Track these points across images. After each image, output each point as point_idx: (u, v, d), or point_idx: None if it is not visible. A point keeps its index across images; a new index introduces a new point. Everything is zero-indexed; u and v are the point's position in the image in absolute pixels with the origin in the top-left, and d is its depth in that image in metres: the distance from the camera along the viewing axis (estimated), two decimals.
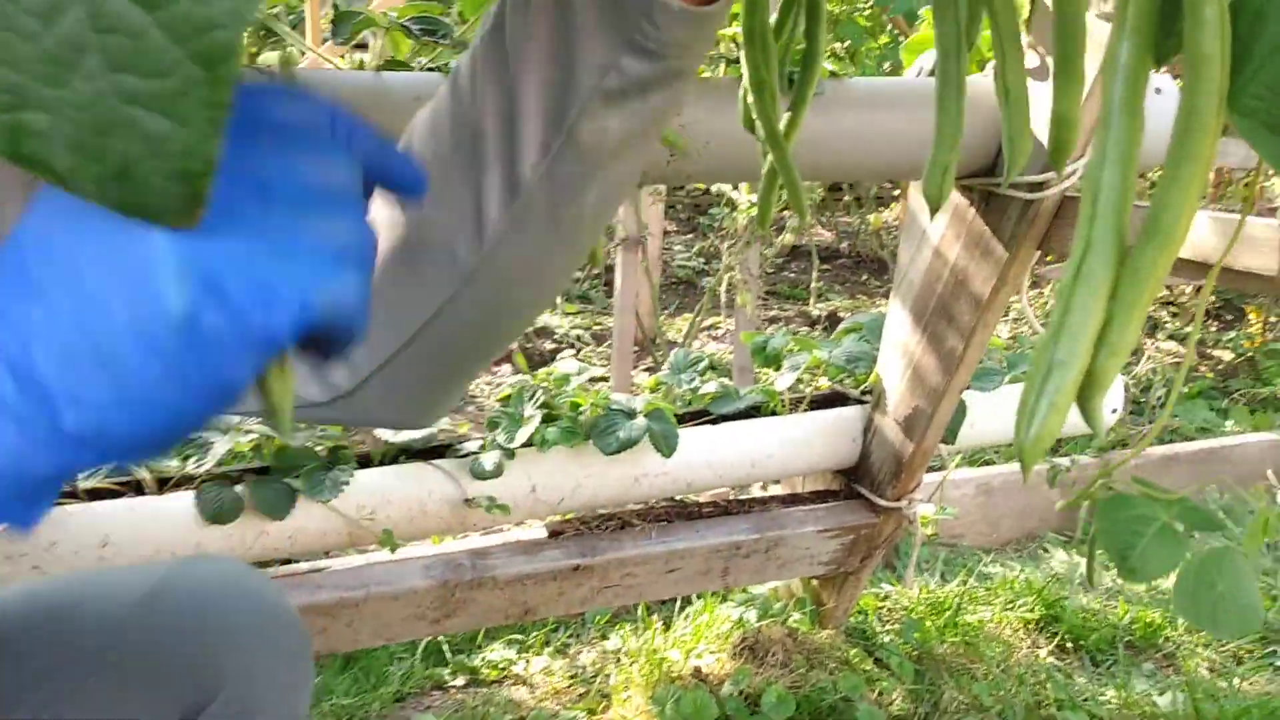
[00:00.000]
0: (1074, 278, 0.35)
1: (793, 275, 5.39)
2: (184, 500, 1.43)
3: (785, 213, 4.60)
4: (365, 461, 1.53)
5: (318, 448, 1.50)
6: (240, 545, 1.46)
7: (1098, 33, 1.35)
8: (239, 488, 1.44)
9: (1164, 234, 0.33)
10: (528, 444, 1.55)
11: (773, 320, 4.58)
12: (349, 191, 0.37)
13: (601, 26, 0.49)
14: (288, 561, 1.56)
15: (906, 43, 1.59)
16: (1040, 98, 1.42)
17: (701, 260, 5.31)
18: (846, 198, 5.56)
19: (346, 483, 1.45)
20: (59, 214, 0.33)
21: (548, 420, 1.56)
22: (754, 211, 2.94)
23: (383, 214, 0.57)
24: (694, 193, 6.08)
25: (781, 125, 0.77)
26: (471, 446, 1.54)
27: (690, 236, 5.84)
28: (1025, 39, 1.42)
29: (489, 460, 1.51)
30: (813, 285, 4.72)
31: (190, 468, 1.44)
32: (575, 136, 0.51)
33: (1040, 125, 1.42)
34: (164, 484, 1.47)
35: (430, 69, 1.18)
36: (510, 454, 1.53)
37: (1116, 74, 0.33)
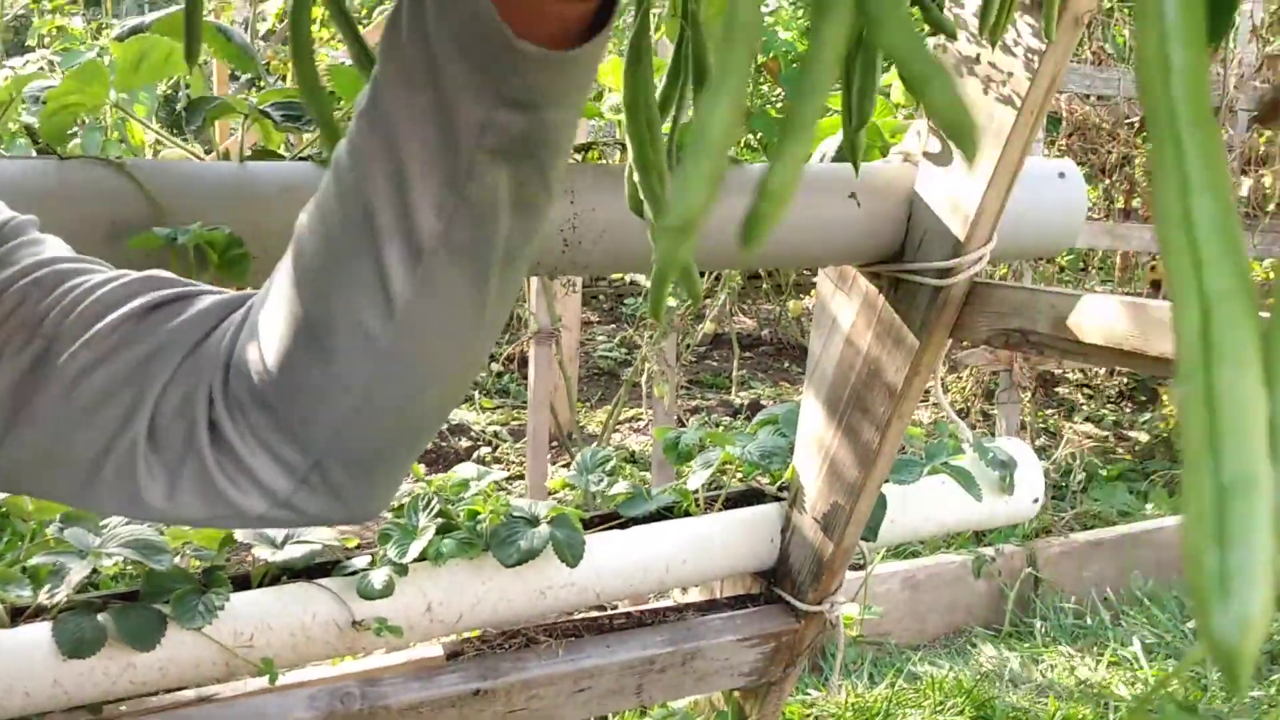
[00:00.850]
0: (1205, 357, 0.22)
1: (715, 364, 5.36)
2: (40, 632, 1.30)
3: (706, 300, 4.59)
4: (243, 583, 1.41)
5: (191, 568, 1.38)
6: (104, 680, 1.33)
7: (999, 115, 1.32)
8: (102, 616, 1.31)
9: None
10: (421, 558, 1.44)
11: (695, 410, 4.53)
12: None
13: (471, 84, 0.50)
14: (155, 694, 1.43)
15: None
16: (944, 183, 1.39)
17: (624, 350, 5.26)
18: (766, 285, 5.57)
19: (221, 607, 1.33)
20: None
21: (444, 531, 1.46)
22: (670, 300, 2.90)
23: (280, 310, 0.56)
24: (615, 282, 6.05)
25: None
26: (360, 563, 1.43)
27: (613, 326, 5.79)
28: (928, 123, 1.39)
29: (379, 578, 1.40)
30: (734, 374, 4.69)
31: (44, 597, 1.31)
32: (467, 197, 0.52)
33: (944, 212, 1.39)
34: (17, 615, 1.33)
35: (302, 158, 1.10)
36: (402, 570, 1.42)
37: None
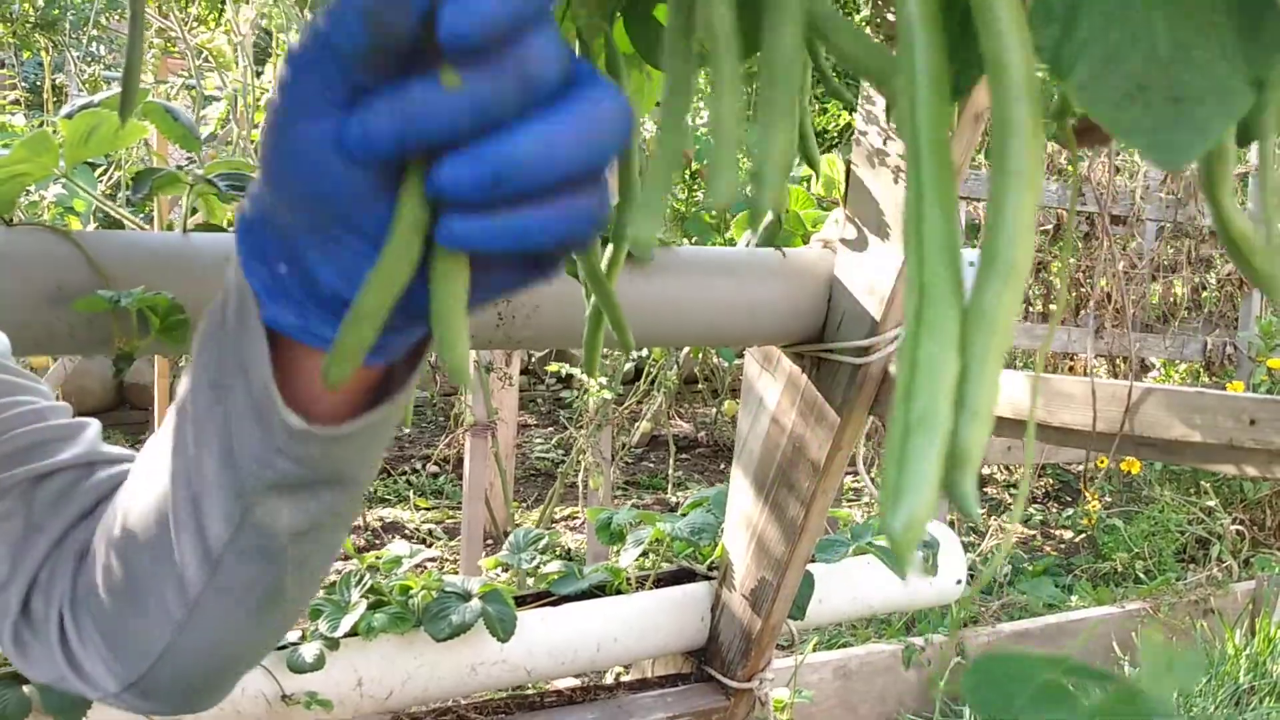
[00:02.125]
0: (916, 330, 0.29)
1: (651, 465, 5.39)
2: None
3: (642, 405, 4.64)
4: None
5: None
6: None
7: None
8: (27, 688, 1.30)
9: (1004, 263, 0.29)
10: (353, 633, 1.45)
11: (634, 510, 4.54)
12: None
13: (253, 423, 0.47)
14: None
15: (736, 218, 1.63)
16: (860, 268, 1.47)
17: (561, 451, 5.28)
18: (703, 388, 5.64)
19: None
20: None
21: (375, 606, 1.47)
22: (605, 393, 2.95)
23: (112, 548, 0.56)
24: (554, 386, 6.09)
25: (604, 264, 0.75)
26: (290, 636, 1.43)
27: (550, 429, 5.81)
28: (844, 211, 1.47)
29: (309, 651, 1.40)
30: (670, 474, 4.72)
31: None
32: (251, 516, 0.50)
33: (861, 293, 1.46)
34: None
35: None
36: (333, 644, 1.42)
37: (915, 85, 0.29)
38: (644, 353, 3.93)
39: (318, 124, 0.36)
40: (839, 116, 6.67)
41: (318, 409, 0.47)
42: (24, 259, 1.05)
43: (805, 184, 1.62)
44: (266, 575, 0.53)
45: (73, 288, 1.05)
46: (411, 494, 4.44)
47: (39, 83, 5.39)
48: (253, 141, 3.27)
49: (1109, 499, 4.27)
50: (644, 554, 1.75)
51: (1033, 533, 4.33)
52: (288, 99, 0.36)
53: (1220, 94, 0.26)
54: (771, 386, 1.58)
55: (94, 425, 0.66)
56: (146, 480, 0.55)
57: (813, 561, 1.78)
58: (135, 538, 0.54)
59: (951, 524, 3.70)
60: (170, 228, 1.08)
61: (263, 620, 0.56)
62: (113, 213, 1.10)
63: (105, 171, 2.67)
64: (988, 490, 4.87)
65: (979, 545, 3.59)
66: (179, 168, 1.24)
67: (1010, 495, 4.77)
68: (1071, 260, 3.98)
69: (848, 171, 1.46)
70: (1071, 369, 4.22)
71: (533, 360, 5.94)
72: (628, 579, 1.72)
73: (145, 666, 0.57)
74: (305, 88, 0.36)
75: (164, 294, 1.04)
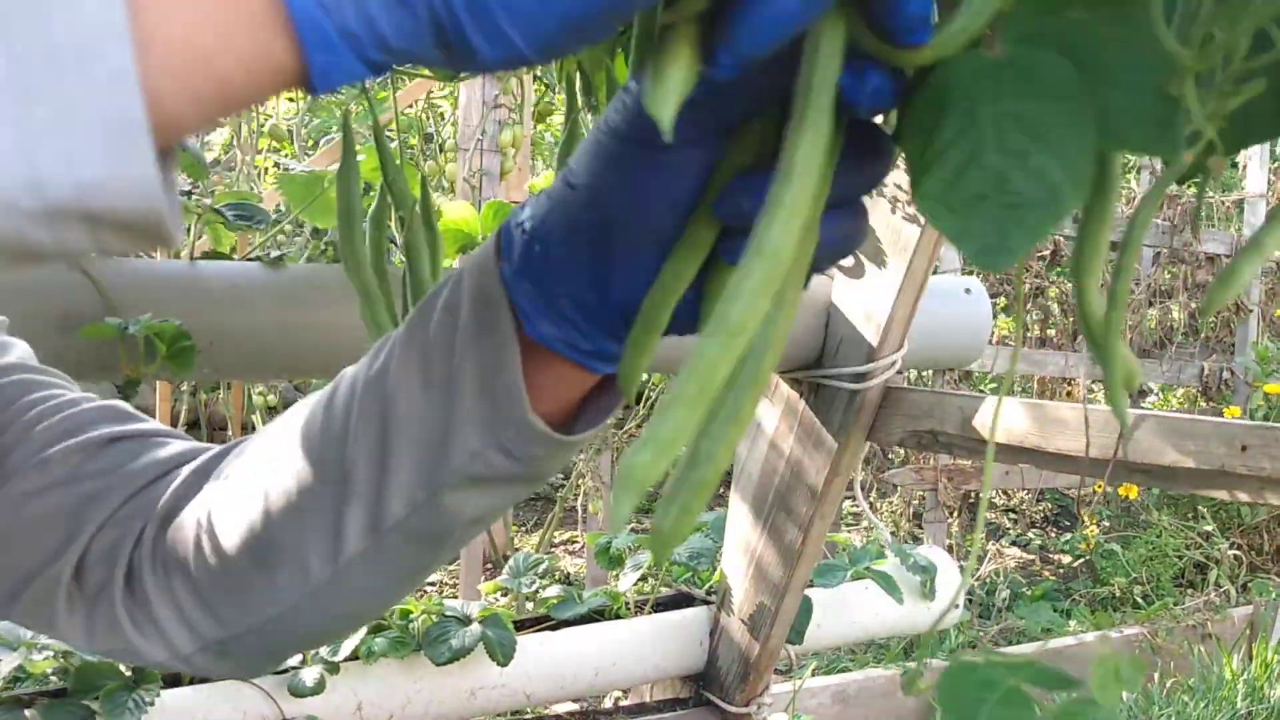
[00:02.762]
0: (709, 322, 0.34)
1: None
2: None
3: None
4: (174, 680, 1.41)
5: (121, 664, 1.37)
6: None
7: (906, 232, 1.42)
8: (29, 712, 1.30)
9: (723, 322, 0.32)
10: (353, 657, 1.45)
11: (631, 532, 4.54)
12: None
13: (479, 420, 0.50)
14: None
15: None
16: (857, 295, 1.49)
17: (560, 475, 5.28)
18: None
19: (151, 704, 1.33)
20: None
21: (376, 630, 1.48)
22: None
23: (239, 509, 0.57)
24: None
25: None
26: (291, 660, 1.44)
27: None
28: None
29: (310, 675, 1.41)
30: None
31: None
32: (438, 502, 0.52)
33: (858, 320, 1.48)
34: None
35: (253, 258, 1.16)
36: (334, 668, 1.43)
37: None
38: (644, 376, 3.94)
39: (681, 152, 0.40)
40: None
41: (541, 412, 0.50)
42: (32, 286, 1.07)
43: None
44: (423, 556, 0.55)
45: (80, 314, 1.06)
46: None
47: None
48: (256, 167, 3.30)
49: (1107, 524, 4.28)
50: (643, 578, 1.76)
51: (1031, 557, 4.34)
52: (642, 130, 0.39)
53: (1051, 198, 0.29)
54: (769, 412, 1.60)
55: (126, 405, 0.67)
56: (299, 451, 0.56)
57: (811, 586, 1.79)
58: (280, 502, 0.55)
59: (950, 549, 3.71)
60: (177, 255, 1.10)
61: (395, 593, 0.58)
62: None
63: None
64: (987, 515, 4.88)
65: (977, 570, 3.59)
66: (186, 194, 1.26)
67: (1009, 520, 4.77)
68: (1068, 286, 4.00)
69: None
70: (1070, 394, 4.24)
71: None
72: (626, 603, 1.73)
73: (248, 624, 0.58)
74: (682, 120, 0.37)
75: (171, 321, 1.05)
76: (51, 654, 1.33)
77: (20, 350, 0.67)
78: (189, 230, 1.07)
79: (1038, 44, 0.31)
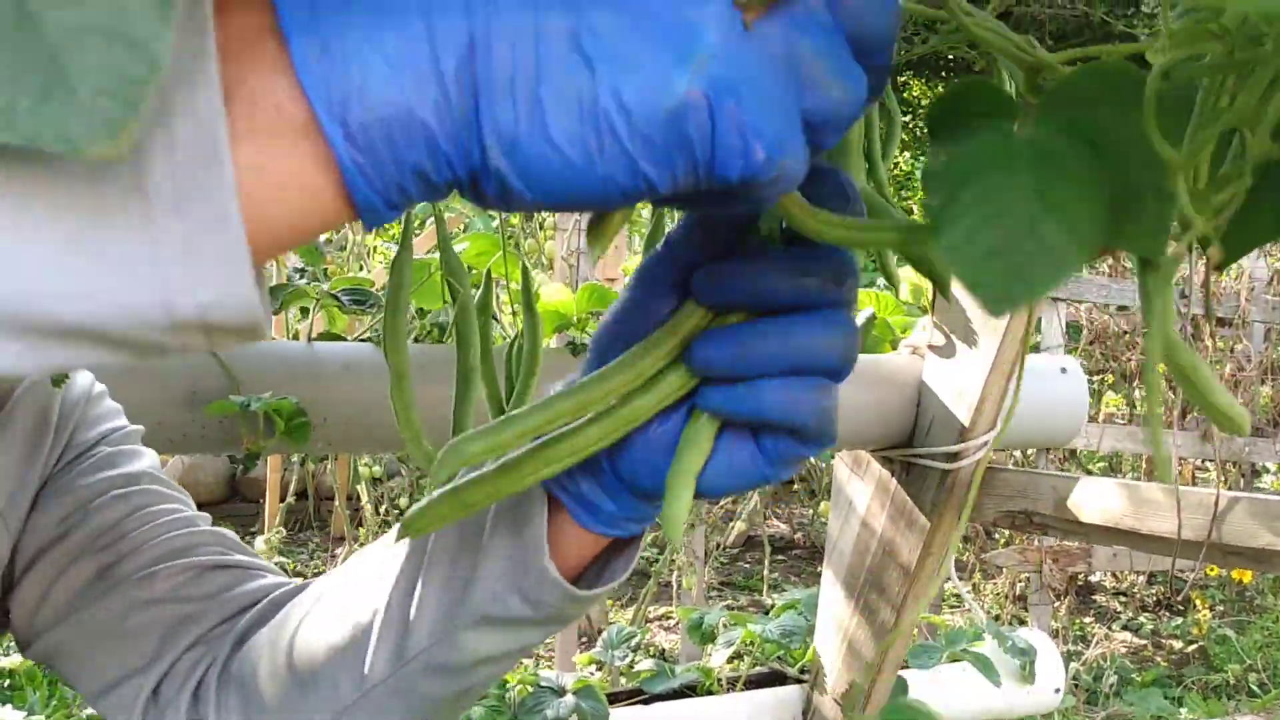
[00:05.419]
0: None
1: (747, 566, 5.37)
2: None
3: (736, 504, 4.64)
4: None
5: None
6: None
7: None
8: None
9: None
10: None
11: (726, 610, 4.52)
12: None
13: (503, 561, 0.53)
14: None
15: None
16: (949, 374, 1.50)
17: (655, 550, 5.29)
18: (799, 488, 5.63)
19: None
20: None
21: None
22: None
23: (293, 640, 0.62)
24: None
25: None
26: None
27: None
28: (931, 318, 1.51)
29: None
30: (766, 575, 4.69)
31: None
32: (455, 639, 0.56)
33: (949, 399, 1.49)
34: None
35: (362, 340, 1.23)
36: None
37: None
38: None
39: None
40: None
41: (558, 566, 0.53)
42: (164, 366, 1.15)
43: (894, 291, 1.67)
44: (443, 689, 0.58)
45: (207, 392, 1.14)
46: None
47: None
48: (365, 245, 3.44)
49: (1221, 608, 4.11)
50: (736, 655, 1.77)
51: (1143, 642, 4.19)
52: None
53: (1055, 260, 0.33)
54: (861, 490, 1.61)
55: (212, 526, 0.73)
56: (352, 589, 0.61)
57: (906, 667, 1.78)
58: (327, 633, 0.60)
59: (1055, 633, 3.61)
60: (296, 336, 1.17)
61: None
62: None
63: None
64: (1096, 598, 4.73)
65: (1083, 654, 3.49)
66: (298, 271, 1.35)
67: (1119, 603, 4.62)
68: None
69: None
70: (1180, 474, 4.11)
71: None
72: (719, 680, 1.74)
73: None
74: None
75: (289, 398, 1.12)
76: None
77: (150, 460, 0.73)
78: (308, 312, 1.14)
79: (1064, 132, 0.34)
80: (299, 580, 0.69)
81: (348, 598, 0.60)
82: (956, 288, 0.43)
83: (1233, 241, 0.34)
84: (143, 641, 0.65)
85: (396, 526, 0.54)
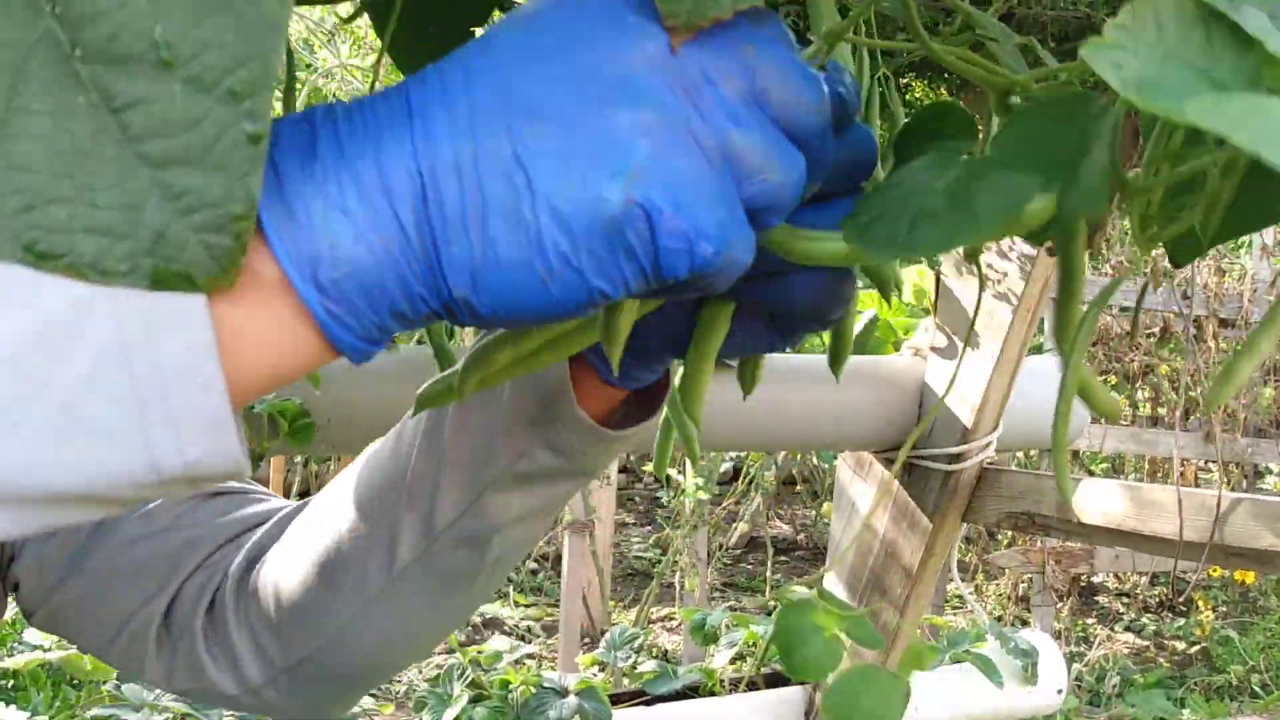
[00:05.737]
0: None
1: (750, 567, 5.37)
2: None
3: (739, 505, 4.64)
4: None
5: None
6: None
7: (999, 313, 1.44)
8: None
9: None
10: None
11: (728, 611, 4.52)
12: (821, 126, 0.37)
13: (527, 417, 0.55)
14: None
15: None
16: (949, 374, 1.50)
17: (658, 551, 5.29)
18: (801, 490, 5.62)
19: None
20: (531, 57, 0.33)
21: (476, 700, 1.52)
22: (701, 494, 2.98)
23: (311, 531, 0.63)
24: (651, 485, 6.13)
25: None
26: None
27: (648, 528, 5.83)
28: (934, 319, 1.51)
29: None
30: (768, 576, 4.69)
31: None
32: (483, 504, 0.57)
33: (952, 401, 1.49)
34: None
35: None
36: None
37: None
38: (742, 453, 3.95)
39: None
40: None
41: (585, 410, 0.54)
42: None
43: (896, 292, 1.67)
44: (473, 561, 0.59)
45: None
46: (511, 590, 4.49)
47: None
48: None
49: (1224, 609, 4.11)
50: (739, 656, 1.77)
51: (1145, 643, 4.18)
52: None
53: (964, 219, 0.33)
54: (864, 491, 1.61)
55: None
56: (372, 473, 0.61)
57: None
58: (348, 522, 0.60)
59: (1058, 634, 3.61)
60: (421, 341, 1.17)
61: (448, 604, 0.62)
62: None
63: None
64: (1098, 599, 4.73)
65: (1086, 655, 3.49)
66: None
67: (1121, 604, 4.62)
68: (1179, 364, 3.92)
69: (937, 280, 1.50)
70: (1183, 475, 4.11)
71: (631, 458, 6.00)
72: (722, 681, 1.74)
73: (314, 645, 0.63)
74: None
75: (292, 400, 1.12)
76: (172, 715, 1.40)
77: None
78: None
79: (1011, 150, 0.34)
80: (303, 501, 0.69)
81: (368, 487, 0.61)
82: (956, 286, 0.43)
83: (1180, 248, 0.34)
84: (145, 574, 0.66)
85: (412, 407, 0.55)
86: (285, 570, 0.63)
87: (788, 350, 0.55)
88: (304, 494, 3.60)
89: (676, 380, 0.50)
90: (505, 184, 0.32)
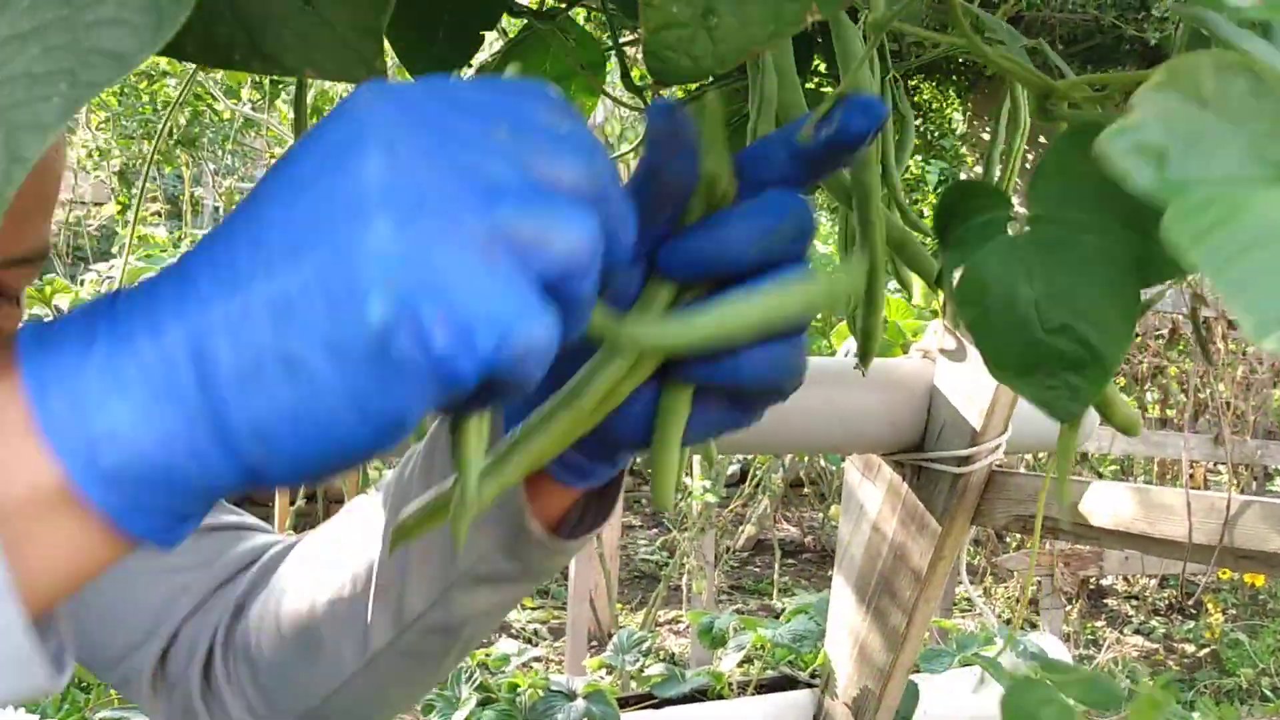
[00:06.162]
0: None
1: (757, 570, 5.36)
2: None
3: (746, 508, 4.64)
4: None
5: None
6: None
7: None
8: None
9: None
10: None
11: (736, 613, 4.52)
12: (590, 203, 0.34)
13: (487, 524, 0.54)
14: None
15: (837, 327, 1.68)
16: (960, 378, 1.50)
17: (665, 553, 5.29)
18: (809, 492, 5.62)
19: None
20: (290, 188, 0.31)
21: (484, 703, 1.52)
22: (709, 497, 2.98)
23: (294, 597, 0.62)
24: None
25: None
26: None
27: (655, 531, 5.83)
28: (943, 322, 1.50)
29: None
30: (776, 579, 4.69)
31: None
32: (449, 599, 0.57)
33: (961, 404, 1.49)
34: None
35: None
36: None
37: None
38: (749, 455, 3.94)
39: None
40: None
41: (538, 519, 0.54)
42: None
43: (906, 295, 1.67)
44: (443, 646, 0.60)
45: None
46: None
47: (178, 195, 5.76)
48: None
49: (1234, 612, 4.10)
50: (746, 660, 1.76)
51: (1154, 646, 4.17)
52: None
53: (1097, 361, 0.35)
54: (872, 494, 1.60)
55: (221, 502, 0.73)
56: (342, 550, 0.61)
57: (918, 672, 1.78)
58: (323, 599, 0.61)
59: (1067, 637, 3.60)
60: None
61: (420, 680, 0.63)
62: None
63: None
64: (1107, 601, 4.72)
65: (1095, 658, 3.48)
66: None
67: (1131, 607, 4.61)
68: (1189, 366, 3.90)
69: None
70: (1192, 477, 4.10)
71: (637, 460, 5.99)
72: (729, 684, 1.73)
73: (298, 710, 0.63)
74: None
75: None
76: None
77: None
78: None
79: (1064, 208, 0.35)
80: (290, 537, 0.69)
81: (341, 562, 0.61)
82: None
83: None
84: (141, 612, 0.66)
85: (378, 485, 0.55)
86: (267, 636, 0.63)
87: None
88: (310, 498, 3.60)
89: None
90: (273, 330, 0.30)
